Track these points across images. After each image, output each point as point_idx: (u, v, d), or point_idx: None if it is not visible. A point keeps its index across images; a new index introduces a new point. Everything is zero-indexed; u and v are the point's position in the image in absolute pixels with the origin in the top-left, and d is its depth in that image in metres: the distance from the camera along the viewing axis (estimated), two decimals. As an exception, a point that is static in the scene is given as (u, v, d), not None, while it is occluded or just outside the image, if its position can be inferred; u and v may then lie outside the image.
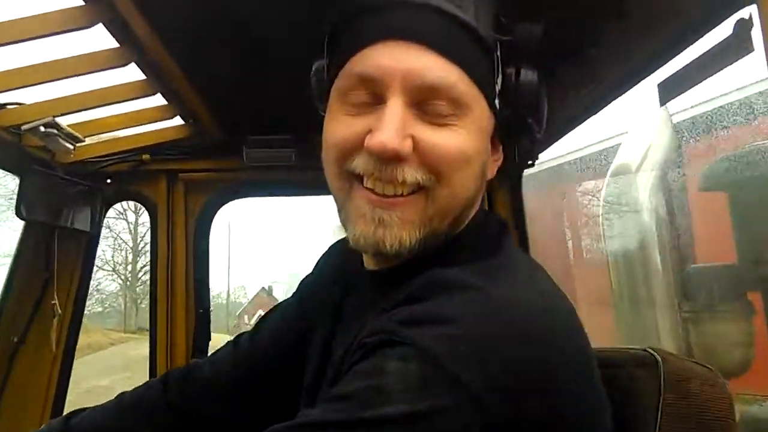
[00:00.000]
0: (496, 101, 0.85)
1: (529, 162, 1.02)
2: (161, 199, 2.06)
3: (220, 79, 1.58)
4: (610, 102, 1.50)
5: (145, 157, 1.98)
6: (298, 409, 0.84)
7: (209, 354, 1.26)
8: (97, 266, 2.12)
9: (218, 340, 1.84)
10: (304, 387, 1.01)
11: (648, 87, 1.32)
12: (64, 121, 1.60)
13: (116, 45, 1.37)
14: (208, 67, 1.49)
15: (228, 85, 1.63)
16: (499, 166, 0.96)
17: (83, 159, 1.88)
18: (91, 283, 2.22)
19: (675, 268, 4.65)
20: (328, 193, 0.92)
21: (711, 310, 4.38)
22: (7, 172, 2.22)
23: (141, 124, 1.86)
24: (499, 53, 0.85)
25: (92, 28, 1.21)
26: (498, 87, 0.85)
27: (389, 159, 0.79)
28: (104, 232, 2.13)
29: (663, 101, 1.25)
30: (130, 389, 1.19)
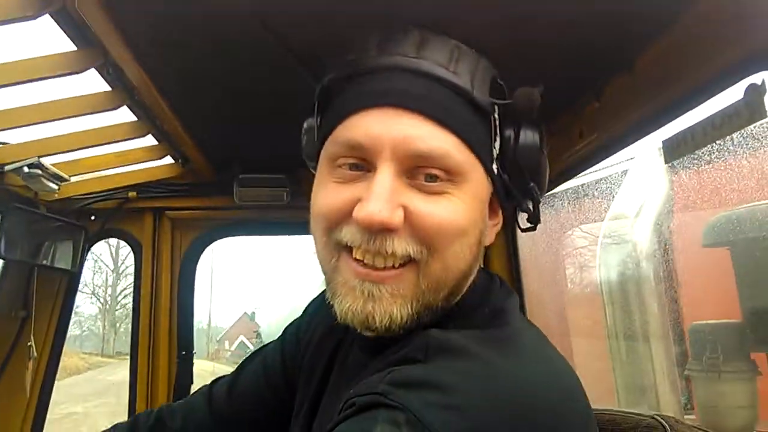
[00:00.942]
0: (494, 165, 0.82)
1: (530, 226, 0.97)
2: (147, 237, 2.01)
3: (212, 118, 1.55)
4: (612, 153, 1.48)
5: (132, 194, 1.93)
6: None
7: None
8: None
9: (198, 366, 1.78)
10: None
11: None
12: (50, 159, 1.55)
13: (108, 88, 1.33)
14: (200, 107, 1.45)
15: (220, 124, 1.60)
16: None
17: (68, 196, 1.82)
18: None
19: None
20: None
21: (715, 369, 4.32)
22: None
23: (130, 164, 1.82)
24: (497, 116, 0.82)
25: (84, 73, 1.17)
26: (496, 151, 0.82)
27: (378, 231, 0.75)
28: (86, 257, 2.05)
29: (668, 159, 1.23)
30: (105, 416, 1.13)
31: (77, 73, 1.16)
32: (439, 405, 0.63)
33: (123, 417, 2.14)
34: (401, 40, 0.81)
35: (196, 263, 2.10)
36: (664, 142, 1.24)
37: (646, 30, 1.10)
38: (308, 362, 1.03)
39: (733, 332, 4.43)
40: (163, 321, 2.00)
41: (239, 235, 2.26)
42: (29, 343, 1.82)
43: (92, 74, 1.23)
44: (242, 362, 1.19)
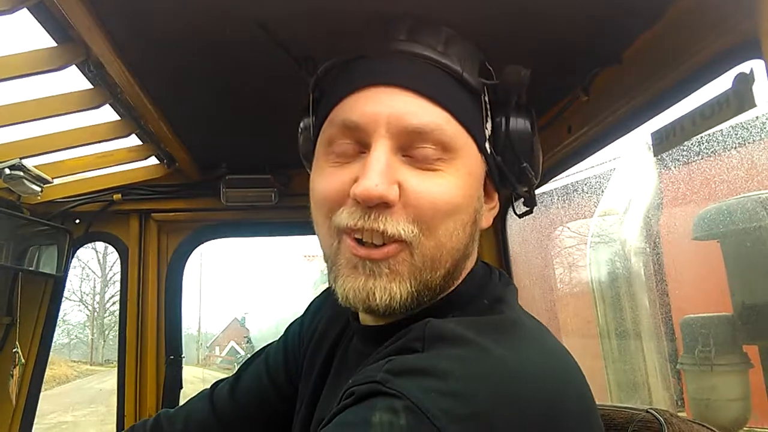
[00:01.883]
0: (487, 145, 0.84)
1: (527, 209, 0.98)
2: (133, 240, 1.97)
3: (198, 118, 1.53)
4: (601, 147, 1.47)
5: (117, 197, 1.89)
6: None
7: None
8: (63, 296, 2.03)
9: (188, 372, 1.75)
10: None
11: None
12: (32, 161, 1.52)
13: (89, 86, 1.30)
14: (185, 106, 1.43)
15: (205, 123, 1.58)
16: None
17: (51, 199, 1.79)
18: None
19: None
20: (311, 233, 0.89)
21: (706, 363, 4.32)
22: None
23: (114, 165, 1.79)
24: (487, 98, 0.85)
25: (65, 69, 1.15)
26: (488, 131, 0.84)
27: (375, 206, 0.76)
28: (71, 261, 2.02)
29: (657, 151, 1.22)
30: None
31: (57, 70, 1.14)
32: (438, 391, 0.63)
33: (112, 426, 2.11)
34: (393, 27, 0.84)
35: (184, 266, 2.07)
36: (653, 134, 1.23)
37: (633, 22, 1.09)
38: (310, 357, 1.04)
39: (724, 325, 4.44)
40: (150, 325, 1.96)
41: (227, 237, 2.22)
42: (15, 350, 1.78)
43: (73, 71, 1.21)
44: (244, 363, 1.19)
